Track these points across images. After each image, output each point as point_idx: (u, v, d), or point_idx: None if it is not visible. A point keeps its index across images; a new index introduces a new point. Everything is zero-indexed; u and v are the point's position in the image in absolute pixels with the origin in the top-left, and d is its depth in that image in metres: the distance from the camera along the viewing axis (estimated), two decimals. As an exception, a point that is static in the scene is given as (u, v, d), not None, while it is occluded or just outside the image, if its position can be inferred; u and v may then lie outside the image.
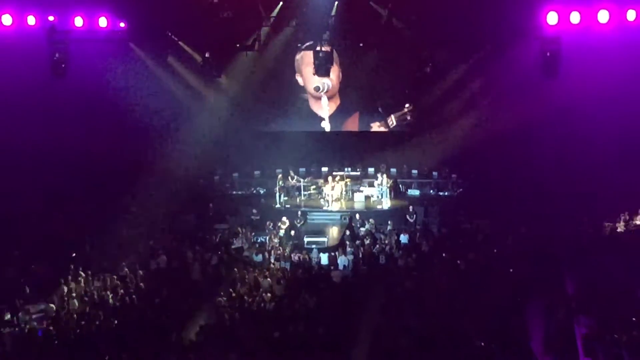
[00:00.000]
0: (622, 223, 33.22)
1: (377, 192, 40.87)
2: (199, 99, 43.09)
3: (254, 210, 39.62)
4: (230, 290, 29.07)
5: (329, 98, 44.20)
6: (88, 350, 24.42)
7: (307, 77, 42.83)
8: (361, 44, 40.18)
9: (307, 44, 40.14)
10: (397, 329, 25.38)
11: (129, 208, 38.40)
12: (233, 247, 35.10)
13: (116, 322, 26.59)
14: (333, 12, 37.47)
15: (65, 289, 29.41)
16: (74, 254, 33.28)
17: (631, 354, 23.28)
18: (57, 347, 25.03)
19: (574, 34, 33.72)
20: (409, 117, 43.51)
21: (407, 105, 43.43)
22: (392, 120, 43.73)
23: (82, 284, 30.12)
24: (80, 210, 37.70)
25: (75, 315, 27.51)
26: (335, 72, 42.58)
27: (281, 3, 38.09)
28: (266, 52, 41.19)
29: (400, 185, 42.04)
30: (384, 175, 40.91)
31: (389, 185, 40.56)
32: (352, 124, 44.88)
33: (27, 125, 38.11)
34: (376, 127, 44.41)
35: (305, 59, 42.15)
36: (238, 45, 38.19)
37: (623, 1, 33.01)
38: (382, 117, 44.06)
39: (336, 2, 37.23)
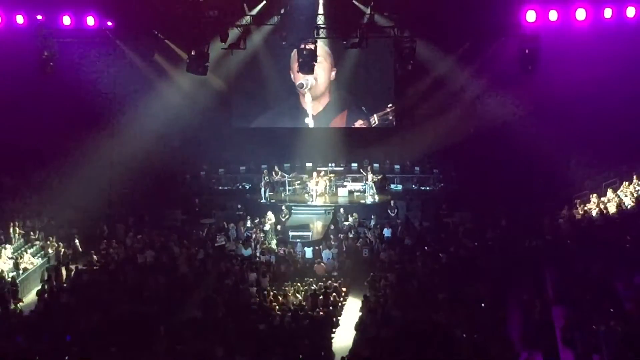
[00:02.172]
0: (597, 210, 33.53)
1: (362, 188, 41.17)
2: (186, 96, 43.33)
3: (239, 205, 39.97)
4: (217, 283, 29.45)
5: (316, 96, 44.56)
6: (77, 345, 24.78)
7: (295, 73, 43.18)
8: (344, 42, 40.47)
9: (292, 41, 40.42)
10: (380, 320, 25.87)
11: (110, 203, 38.95)
12: (216, 244, 35.48)
13: (104, 316, 26.87)
14: (320, 11, 37.89)
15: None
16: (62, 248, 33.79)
17: (608, 344, 23.54)
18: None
19: (552, 32, 34.12)
20: (390, 117, 43.92)
21: (389, 105, 43.88)
22: (375, 120, 44.13)
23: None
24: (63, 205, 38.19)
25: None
26: (325, 69, 43.21)
27: (264, 2, 38.40)
28: (252, 50, 41.45)
29: (386, 181, 42.30)
30: (369, 171, 41.28)
31: (374, 180, 40.91)
32: (340, 122, 45.22)
33: (15, 122, 38.34)
34: (359, 125, 44.83)
35: (296, 57, 42.54)
36: (224, 44, 38.36)
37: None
38: (366, 115, 44.49)
39: (320, 0, 37.69)
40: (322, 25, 37.83)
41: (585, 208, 33.83)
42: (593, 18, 33.37)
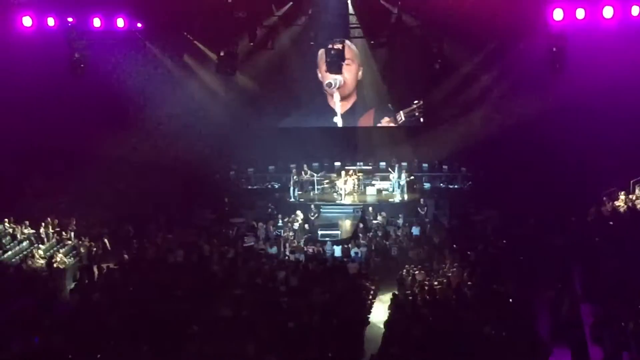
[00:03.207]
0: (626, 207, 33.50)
1: (392, 185, 41.37)
2: (214, 97, 43.65)
3: (270, 204, 40.22)
4: (247, 282, 29.65)
5: (344, 96, 44.75)
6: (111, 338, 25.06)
7: (323, 73, 43.42)
8: (372, 42, 40.62)
9: (320, 41, 40.60)
10: (409, 318, 26.02)
11: (141, 203, 39.28)
12: (245, 245, 35.70)
13: (136, 314, 27.15)
14: (351, 11, 38.14)
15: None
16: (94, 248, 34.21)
17: (637, 341, 23.52)
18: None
19: (579, 30, 34.10)
20: (417, 113, 44.07)
21: (415, 101, 43.99)
22: (401, 116, 44.31)
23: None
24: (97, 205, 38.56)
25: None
26: (352, 69, 43.45)
27: (292, 2, 38.64)
28: (280, 50, 41.70)
29: (414, 180, 42.48)
30: (402, 170, 41.48)
31: (407, 179, 41.12)
32: (367, 120, 45.48)
33: (46, 124, 38.71)
34: (385, 122, 44.99)
35: (323, 56, 42.76)
36: (252, 44, 38.59)
37: (627, -3, 33.53)
38: (392, 113, 44.62)
39: (348, 1, 37.92)
40: (351, 25, 38.02)
41: (614, 205, 33.84)
42: (621, 15, 33.29)
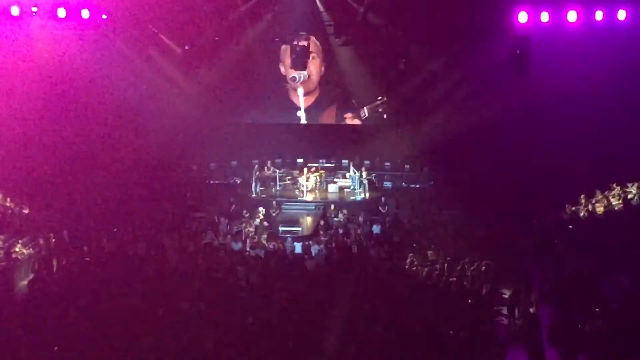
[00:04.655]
0: (585, 212, 33.81)
1: (352, 183, 41.47)
2: (178, 90, 43.50)
3: (232, 199, 40.12)
4: (206, 276, 29.58)
5: (308, 91, 44.77)
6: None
7: (286, 68, 43.45)
8: (337, 39, 40.70)
9: (285, 37, 40.65)
10: (368, 317, 26.07)
11: (106, 197, 39.00)
12: (205, 239, 35.52)
13: (94, 306, 26.95)
14: (317, 8, 38.19)
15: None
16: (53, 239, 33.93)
17: (594, 343, 23.71)
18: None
19: (543, 33, 34.36)
20: (380, 110, 44.12)
21: (379, 97, 44.06)
22: (365, 112, 44.38)
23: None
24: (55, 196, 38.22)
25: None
26: (316, 64, 43.41)
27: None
28: (244, 45, 41.69)
29: (375, 178, 42.58)
30: (362, 168, 41.52)
31: (367, 178, 41.20)
32: (329, 117, 45.51)
33: (6, 113, 38.46)
34: (349, 118, 45.08)
35: (288, 51, 42.85)
36: (217, 39, 38.55)
37: (591, 2, 33.82)
38: (356, 109, 44.70)
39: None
40: (317, 22, 38.07)
41: (573, 209, 34.10)
42: (584, 20, 33.67)
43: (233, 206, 39.39)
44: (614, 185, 34.14)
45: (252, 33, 41.55)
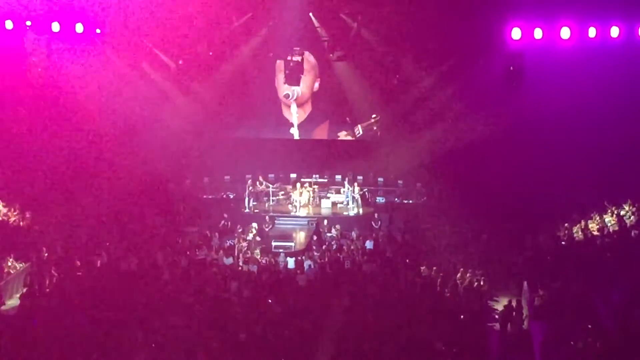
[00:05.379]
0: (579, 230, 33.91)
1: (346, 200, 41.45)
2: (172, 105, 43.48)
3: (225, 215, 40.06)
4: (199, 291, 29.54)
5: (300, 105, 44.78)
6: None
7: (280, 83, 43.53)
8: (331, 55, 40.77)
9: (279, 52, 40.74)
10: (360, 332, 26.02)
11: (100, 211, 38.91)
12: (198, 254, 35.40)
13: (87, 321, 26.88)
14: (312, 24, 38.26)
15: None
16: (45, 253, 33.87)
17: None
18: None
19: (536, 49, 34.49)
20: (375, 127, 44.15)
21: (373, 115, 44.07)
22: (359, 130, 44.42)
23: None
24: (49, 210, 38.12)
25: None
26: (309, 80, 43.36)
27: (251, 13, 38.68)
28: (238, 60, 41.73)
29: (367, 193, 42.55)
30: (355, 183, 41.54)
31: (360, 193, 41.18)
32: (322, 132, 45.56)
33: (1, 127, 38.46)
34: (343, 136, 45.12)
35: (281, 66, 42.91)
36: (211, 53, 38.60)
37: (584, 19, 33.97)
38: (350, 126, 44.72)
39: (310, 14, 38.03)
40: (311, 38, 38.14)
41: (567, 225, 34.20)
42: (577, 37, 33.81)
43: (223, 221, 39.28)
44: (609, 205, 34.31)
45: (246, 48, 41.62)
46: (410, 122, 43.37)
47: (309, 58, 42.86)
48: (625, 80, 35.85)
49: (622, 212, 33.81)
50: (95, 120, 40.99)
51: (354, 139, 45.05)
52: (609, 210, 34.34)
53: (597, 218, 33.98)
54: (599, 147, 37.08)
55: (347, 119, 44.71)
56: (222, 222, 39.30)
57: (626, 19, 34.36)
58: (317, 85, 44.47)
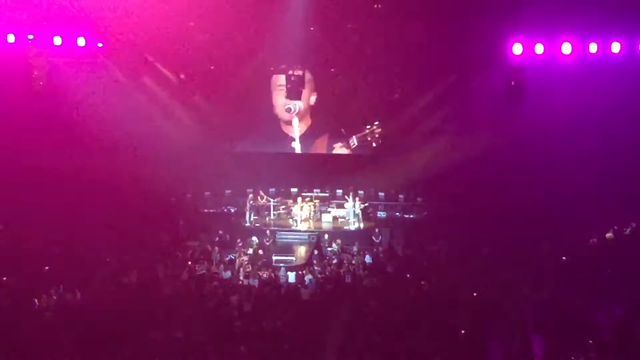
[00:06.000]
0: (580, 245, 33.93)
1: (347, 213, 41.41)
2: (173, 119, 43.51)
3: (224, 229, 40.00)
4: (200, 305, 29.50)
5: (300, 119, 44.87)
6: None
7: (277, 99, 43.59)
8: (332, 69, 40.80)
9: (280, 67, 40.78)
10: (361, 347, 25.97)
11: (100, 225, 38.84)
12: (199, 268, 35.44)
13: (88, 334, 26.82)
14: (316, 38, 38.29)
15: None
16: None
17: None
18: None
19: (538, 65, 34.55)
20: (369, 138, 44.11)
21: (367, 126, 44.07)
22: (354, 141, 44.41)
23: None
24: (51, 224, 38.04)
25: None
26: (306, 94, 43.29)
27: (253, 28, 38.69)
28: (240, 74, 41.77)
29: (369, 208, 42.52)
30: (356, 198, 41.54)
31: (361, 207, 41.18)
32: (321, 146, 45.60)
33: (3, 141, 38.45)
34: (338, 147, 45.13)
35: (277, 82, 42.97)
36: (212, 68, 38.64)
37: (585, 34, 34.01)
38: (345, 138, 44.80)
39: (311, 28, 38.06)
40: (311, 52, 38.19)
41: (568, 240, 34.20)
42: (579, 52, 33.86)
43: (217, 237, 39.25)
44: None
45: (248, 63, 41.64)
46: (412, 136, 43.45)
47: (307, 72, 42.92)
48: (627, 96, 35.89)
49: (624, 228, 33.82)
50: (96, 133, 40.94)
51: (349, 150, 45.07)
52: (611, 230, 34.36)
53: (600, 233, 33.96)
54: (601, 162, 37.11)
55: (342, 130, 44.71)
56: (217, 238, 39.32)
57: (627, 34, 34.39)
58: (313, 99, 44.61)
